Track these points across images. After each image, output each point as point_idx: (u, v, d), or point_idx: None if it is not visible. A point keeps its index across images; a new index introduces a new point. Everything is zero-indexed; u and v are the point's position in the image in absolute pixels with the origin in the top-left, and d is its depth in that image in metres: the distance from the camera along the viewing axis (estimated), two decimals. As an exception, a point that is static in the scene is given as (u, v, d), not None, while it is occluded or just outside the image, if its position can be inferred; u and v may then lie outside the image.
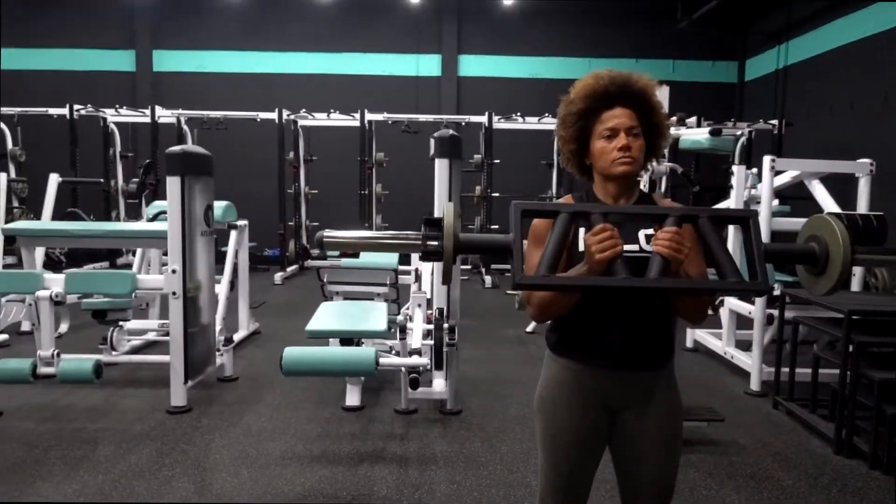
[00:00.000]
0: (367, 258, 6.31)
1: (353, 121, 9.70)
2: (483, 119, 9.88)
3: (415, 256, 6.24)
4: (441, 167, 4.11)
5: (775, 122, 9.32)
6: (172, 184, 3.96)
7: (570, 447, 1.77)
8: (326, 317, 4.04)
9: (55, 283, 3.97)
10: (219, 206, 5.34)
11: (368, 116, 9.70)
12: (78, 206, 8.83)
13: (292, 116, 9.69)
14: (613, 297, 1.69)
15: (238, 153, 11.14)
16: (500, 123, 9.96)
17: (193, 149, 4.17)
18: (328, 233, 1.59)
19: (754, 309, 4.59)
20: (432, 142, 4.19)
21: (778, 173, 4.65)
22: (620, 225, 1.72)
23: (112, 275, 4.60)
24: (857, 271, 4.71)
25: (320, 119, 9.85)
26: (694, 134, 4.25)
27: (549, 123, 9.81)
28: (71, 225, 5.48)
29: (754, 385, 4.57)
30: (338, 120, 9.78)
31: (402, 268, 6.09)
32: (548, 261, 1.47)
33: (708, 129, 4.21)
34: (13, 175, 9.01)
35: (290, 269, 9.55)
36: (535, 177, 10.82)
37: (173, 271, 3.95)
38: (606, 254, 1.46)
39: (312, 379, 4.40)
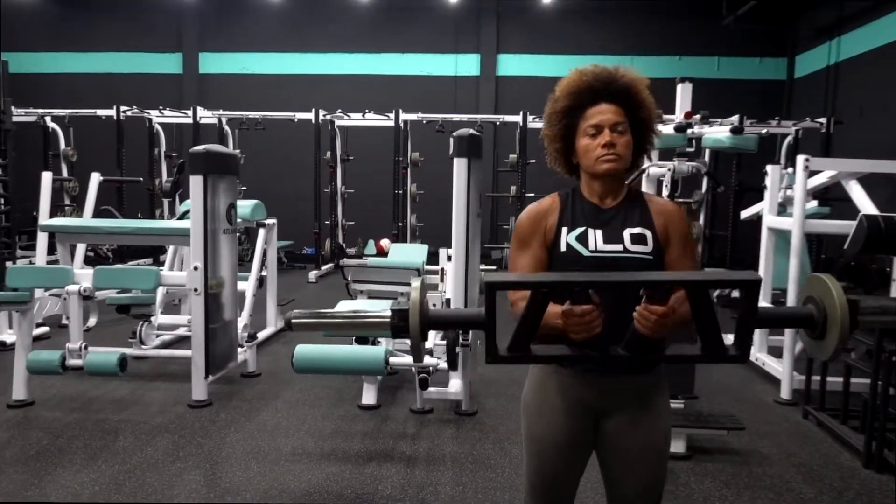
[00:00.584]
0: (392, 257, 6.35)
1: (388, 121, 9.77)
2: (518, 119, 9.80)
3: (442, 256, 6.26)
4: (459, 167, 4.08)
5: (823, 120, 8.95)
6: (195, 183, 4.05)
7: (554, 451, 1.73)
8: (343, 315, 4.06)
9: (84, 278, 4.11)
10: (247, 204, 5.45)
11: (403, 116, 9.75)
12: (124, 205, 9.15)
13: (328, 116, 9.81)
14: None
15: (277, 153, 11.39)
16: (535, 123, 9.86)
17: (217, 148, 4.25)
18: (296, 314, 1.52)
19: (786, 314, 4.42)
20: (451, 141, 4.17)
21: (813, 174, 4.46)
22: (606, 223, 1.68)
23: (137, 271, 4.74)
24: (898, 276, 4.47)
25: (356, 119, 9.94)
26: (715, 133, 4.11)
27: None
28: (100, 222, 5.67)
29: (784, 393, 4.39)
30: (373, 120, 9.87)
31: (428, 267, 6.10)
32: (516, 337, 1.40)
33: (729, 127, 4.06)
34: (65, 174, 9.43)
35: (324, 267, 9.67)
36: (569, 176, 10.69)
37: (195, 268, 4.04)
38: (582, 336, 1.41)
39: (331, 377, 4.44)
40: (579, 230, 1.66)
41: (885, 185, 4.97)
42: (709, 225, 9.90)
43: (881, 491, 3.13)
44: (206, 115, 9.98)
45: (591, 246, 1.64)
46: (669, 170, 3.94)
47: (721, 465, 3.37)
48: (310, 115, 9.64)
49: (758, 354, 4.93)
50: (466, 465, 3.29)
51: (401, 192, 9.90)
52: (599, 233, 1.65)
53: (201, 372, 4.05)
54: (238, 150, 10.18)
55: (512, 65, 12.34)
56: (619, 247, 1.63)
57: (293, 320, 1.52)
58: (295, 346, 3.65)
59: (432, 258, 6.43)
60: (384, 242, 11.72)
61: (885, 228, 3.82)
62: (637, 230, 1.65)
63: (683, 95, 4.18)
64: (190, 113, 9.91)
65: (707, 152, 9.58)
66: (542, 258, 1.70)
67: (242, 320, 4.84)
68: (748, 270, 1.35)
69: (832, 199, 6.30)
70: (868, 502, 3.02)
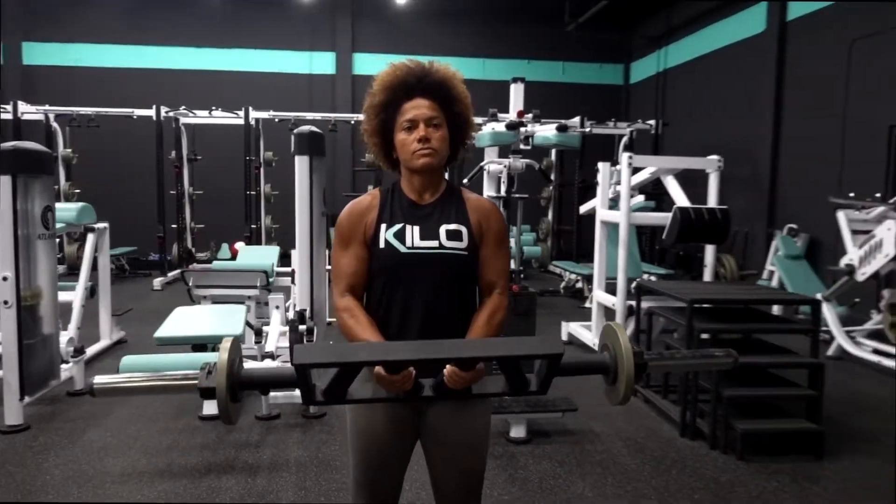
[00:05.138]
0: (242, 260, 6.12)
1: (237, 118, 9.39)
2: (374, 118, 9.78)
3: (294, 256, 6.12)
4: (301, 164, 4.01)
5: (653, 122, 9.74)
6: (3, 184, 3.65)
7: (377, 445, 1.73)
8: (179, 322, 3.85)
9: None
10: (72, 207, 5.02)
11: (254, 114, 9.41)
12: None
13: (172, 113, 9.26)
14: (412, 293, 1.67)
15: (117, 153, 10.59)
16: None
17: (27, 145, 3.86)
18: (98, 379, 1.43)
19: (616, 300, 4.76)
20: (293, 139, 4.09)
21: (637, 170, 4.83)
22: (423, 219, 1.70)
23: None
24: (709, 262, 4.97)
25: (202, 116, 9.46)
26: (544, 131, 4.35)
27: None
28: None
29: (617, 374, 4.72)
30: (221, 117, 9.45)
31: (280, 269, 5.94)
32: (333, 386, 1.44)
33: (555, 125, 4.31)
34: None
35: (171, 273, 9.11)
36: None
37: (4, 278, 3.64)
38: (394, 391, 1.49)
39: (171, 388, 4.18)
40: (397, 227, 1.67)
41: (704, 181, 5.54)
42: (556, 220, 10.49)
43: (693, 456, 3.45)
44: (31, 111, 9.07)
45: (409, 242, 1.66)
46: (505, 167, 4.10)
47: (558, 445, 3.56)
48: (150, 112, 9.05)
49: (595, 340, 5.27)
50: (311, 469, 3.23)
51: (253, 192, 9.56)
52: (417, 229, 1.67)
53: (15, 393, 3.66)
54: (69, 150, 9.38)
55: (368, 64, 12.30)
56: (434, 243, 1.66)
57: (95, 386, 1.43)
58: (131, 354, 3.40)
59: (285, 260, 6.27)
60: (239, 245, 11.23)
61: (695, 219, 4.23)
62: (453, 226, 1.69)
63: (516, 95, 4.37)
64: (9, 108, 8.95)
65: (553, 152, 10.14)
66: (363, 256, 1.70)
67: (68, 333, 4.44)
68: (553, 339, 1.46)
69: (660, 193, 6.87)
70: (682, 467, 3.32)
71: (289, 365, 1.43)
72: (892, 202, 5.40)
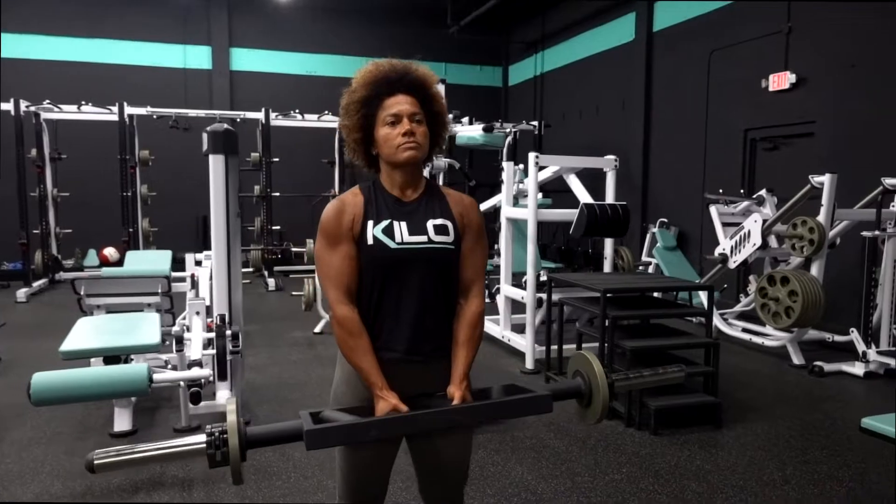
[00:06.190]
0: (133, 266, 5.73)
1: (110, 114, 8.72)
2: (260, 115, 9.48)
3: (189, 260, 5.82)
4: (216, 164, 3.83)
5: (535, 123, 10.22)
6: None
7: (367, 445, 1.74)
8: (86, 334, 3.56)
9: None
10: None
11: (129, 110, 8.79)
12: None
13: (33, 108, 8.43)
14: (402, 288, 1.70)
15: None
16: (277, 121, 9.64)
17: None
18: (98, 455, 1.32)
19: (526, 294, 4.99)
20: (205, 137, 3.90)
21: (541, 169, 5.09)
22: (409, 215, 1.74)
23: None
24: (608, 255, 5.34)
25: (69, 112, 8.69)
26: (469, 131, 4.49)
27: (329, 121, 9.73)
28: None
29: (529, 364, 4.97)
30: (91, 113, 8.72)
31: (175, 274, 5.63)
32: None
33: (482, 126, 4.46)
34: None
35: (37, 283, 8.31)
36: (317, 175, 10.68)
37: None
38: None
39: (71, 406, 3.85)
40: (385, 223, 1.69)
41: (593, 178, 5.94)
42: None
43: (612, 434, 3.73)
44: None
45: (398, 238, 1.68)
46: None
47: (490, 435, 3.69)
48: (9, 106, 8.18)
49: (504, 332, 5.49)
50: (248, 477, 3.13)
51: (129, 194, 8.92)
52: (404, 224, 1.70)
53: None
54: None
55: (247, 60, 11.87)
56: (423, 238, 1.70)
57: (95, 462, 1.32)
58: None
59: (178, 264, 5.95)
60: (109, 251, 10.46)
61: (600, 215, 4.53)
62: (440, 221, 1.73)
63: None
64: None
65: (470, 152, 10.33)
66: (352, 254, 1.70)
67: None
68: (542, 398, 1.67)
69: (551, 191, 7.25)
70: (606, 445, 3.57)
71: (292, 423, 1.44)
72: (755, 198, 6.08)
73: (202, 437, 1.36)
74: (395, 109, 1.68)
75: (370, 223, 1.70)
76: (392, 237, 1.68)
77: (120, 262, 9.80)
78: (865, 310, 4.88)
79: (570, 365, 1.71)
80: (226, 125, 3.95)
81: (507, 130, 7.65)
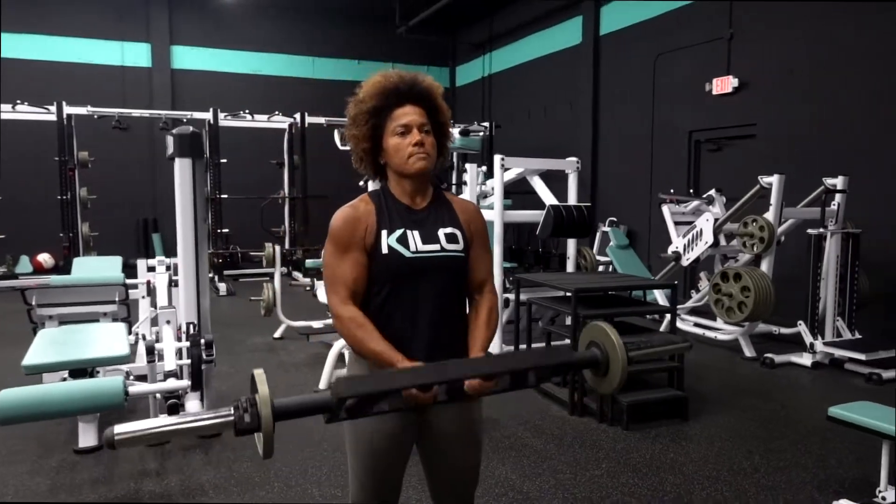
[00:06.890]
0: (82, 273, 5.48)
1: (47, 114, 8.31)
2: (208, 115, 9.22)
3: (141, 266, 5.61)
4: (182, 168, 3.73)
5: (487, 123, 10.32)
6: None
7: (385, 448, 1.74)
8: (49, 347, 3.39)
9: None
10: None
11: (68, 110, 8.39)
12: None
13: (-41, 107, 7.96)
14: (418, 296, 1.71)
15: None
16: (226, 121, 9.40)
17: None
18: (120, 429, 1.24)
19: (494, 294, 5.04)
20: (170, 140, 3.79)
21: (505, 170, 5.15)
22: (420, 224, 1.75)
23: None
24: (571, 255, 5.46)
25: (5, 111, 8.23)
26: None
27: (279, 122, 9.54)
28: None
29: (498, 364, 5.01)
30: (26, 113, 8.29)
31: (130, 281, 5.41)
32: (361, 404, 1.46)
33: (458, 129, 4.48)
34: None
35: (-31, 293, 7.83)
36: (266, 176, 10.47)
37: None
38: (422, 403, 1.55)
39: (27, 424, 3.66)
40: (398, 232, 1.71)
41: (547, 178, 6.04)
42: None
43: (586, 431, 3.82)
44: None
45: (412, 247, 1.70)
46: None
47: (467, 435, 3.72)
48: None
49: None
50: (231, 489, 3.06)
51: (68, 197, 8.52)
52: (417, 233, 1.72)
53: None
54: None
55: (189, 58, 11.52)
56: (436, 246, 1.72)
57: (116, 437, 1.24)
58: None
59: (129, 271, 5.73)
60: (43, 257, 10.00)
61: (566, 216, 4.63)
62: (449, 230, 1.76)
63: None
64: None
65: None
66: (364, 262, 1.70)
67: None
68: (565, 349, 1.65)
69: (511, 192, 7.33)
70: (582, 442, 3.66)
71: (318, 395, 1.41)
72: (705, 197, 6.33)
73: (229, 409, 1.30)
74: (405, 120, 1.70)
75: (384, 232, 1.70)
76: (407, 246, 1.69)
77: (55, 270, 9.37)
78: (812, 304, 5.16)
79: (583, 336, 1.74)
80: (192, 128, 3.84)
81: (482, 134, 7.70)
